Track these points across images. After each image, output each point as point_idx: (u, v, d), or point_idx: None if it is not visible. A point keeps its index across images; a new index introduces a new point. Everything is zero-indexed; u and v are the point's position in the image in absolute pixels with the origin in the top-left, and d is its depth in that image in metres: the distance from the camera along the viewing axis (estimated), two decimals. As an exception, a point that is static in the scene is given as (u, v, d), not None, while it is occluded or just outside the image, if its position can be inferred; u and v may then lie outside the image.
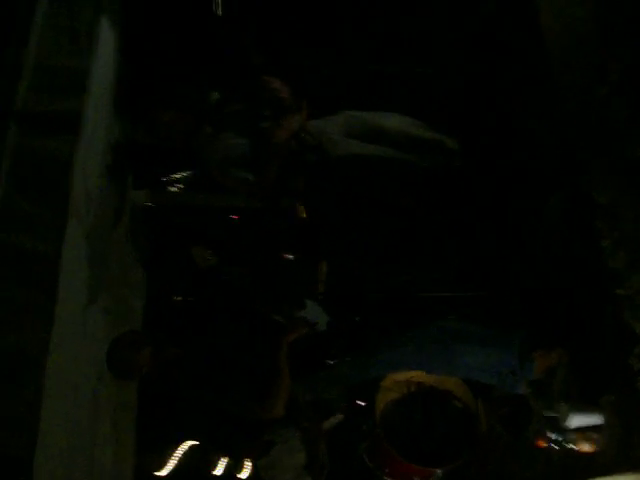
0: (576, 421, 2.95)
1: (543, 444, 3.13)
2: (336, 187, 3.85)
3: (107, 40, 3.20)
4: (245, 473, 3.82)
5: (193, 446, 3.73)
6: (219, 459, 3.96)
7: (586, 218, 3.18)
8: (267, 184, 3.74)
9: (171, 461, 3.81)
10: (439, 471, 4.02)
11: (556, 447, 3.04)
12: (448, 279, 3.82)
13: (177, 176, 4.39)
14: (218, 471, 3.96)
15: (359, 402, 4.14)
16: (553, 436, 3.05)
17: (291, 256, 3.91)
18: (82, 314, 2.90)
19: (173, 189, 4.43)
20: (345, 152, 3.76)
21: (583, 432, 2.96)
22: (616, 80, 3.02)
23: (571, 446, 2.95)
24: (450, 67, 4.14)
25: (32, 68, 2.68)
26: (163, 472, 3.84)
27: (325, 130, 3.80)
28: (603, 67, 3.08)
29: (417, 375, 4.12)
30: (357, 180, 3.87)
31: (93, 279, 3.03)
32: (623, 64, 3.01)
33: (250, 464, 3.74)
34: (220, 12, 4.15)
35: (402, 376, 4.11)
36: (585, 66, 3.21)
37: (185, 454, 3.79)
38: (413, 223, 3.97)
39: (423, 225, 3.96)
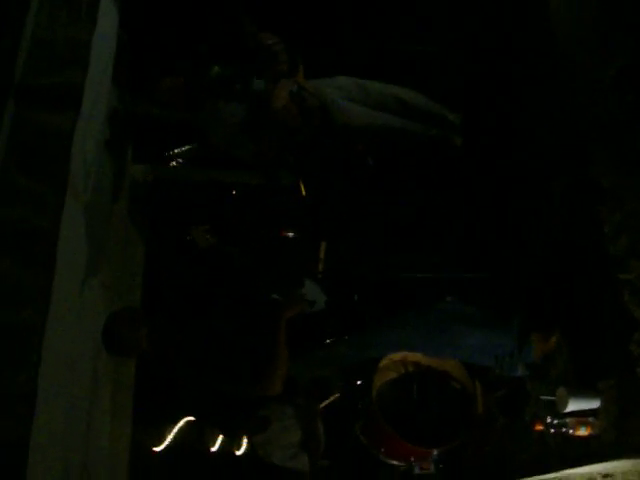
0: (573, 405, 2.95)
1: (540, 427, 3.13)
2: (338, 155, 3.83)
3: (107, 11, 3.14)
4: (241, 449, 3.84)
5: (190, 422, 3.75)
6: (216, 435, 3.98)
7: (588, 202, 3.16)
8: (269, 151, 3.71)
9: (168, 437, 3.83)
10: (435, 451, 4.03)
11: (552, 431, 3.04)
12: (448, 260, 3.80)
13: (177, 150, 4.36)
14: (214, 447, 3.99)
15: (356, 381, 4.15)
16: (549, 420, 3.04)
17: (291, 234, 3.89)
18: (80, 290, 2.88)
19: (173, 163, 4.40)
20: (348, 118, 3.72)
21: (580, 416, 2.96)
22: (622, 68, 2.98)
23: (568, 430, 2.95)
24: (456, 48, 4.09)
25: (30, 40, 2.63)
26: (160, 447, 3.86)
27: (326, 91, 3.76)
28: (610, 54, 3.05)
29: (414, 355, 4.12)
30: (361, 148, 3.85)
31: (91, 255, 3.01)
32: (629, 52, 2.98)
33: (246, 440, 3.76)
34: None
35: (399, 356, 4.11)
36: (593, 53, 3.17)
37: (181, 430, 3.81)
38: (414, 203, 3.96)
39: (424, 206, 3.95)
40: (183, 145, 4.37)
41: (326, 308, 3.39)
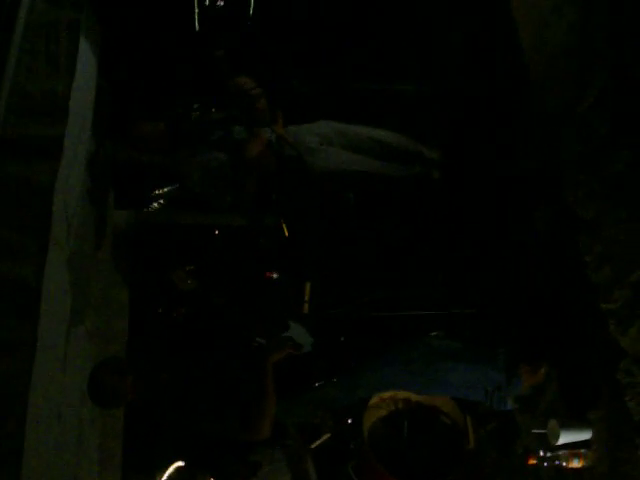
0: (565, 437, 2.94)
1: (533, 461, 3.11)
2: (318, 200, 3.85)
3: (86, 61, 3.17)
4: (232, 495, 3.79)
5: (180, 468, 3.70)
6: (206, 480, 3.93)
7: (570, 233, 3.19)
8: (246, 198, 3.73)
9: (158, 484, 3.78)
10: (428, 488, 4.00)
11: (545, 464, 3.03)
12: (433, 296, 3.81)
13: (158, 192, 4.37)
14: (205, 493, 3.94)
15: (346, 420, 4.12)
16: (542, 453, 3.03)
17: (275, 275, 3.89)
18: (65, 340, 2.86)
19: (155, 205, 4.41)
20: (326, 164, 3.76)
21: (572, 448, 2.95)
22: (596, 95, 3.03)
23: (561, 463, 2.94)
24: (430, 84, 4.14)
25: (9, 92, 2.64)
26: (150, 495, 3.80)
27: (304, 139, 3.81)
28: (583, 82, 3.10)
29: (404, 392, 4.11)
30: (339, 193, 3.88)
31: (76, 304, 3.00)
32: (602, 79, 3.03)
33: (237, 485, 3.72)
34: (197, 27, 4.14)
35: (389, 393, 4.10)
36: (566, 82, 3.22)
37: (172, 476, 3.76)
38: (396, 240, 3.98)
39: (407, 242, 3.97)
40: (164, 186, 4.38)
41: (313, 350, 3.38)
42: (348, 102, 4.11)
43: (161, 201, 4.42)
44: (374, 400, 4.05)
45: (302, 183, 3.76)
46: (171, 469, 3.74)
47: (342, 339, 3.73)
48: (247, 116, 3.72)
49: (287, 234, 3.90)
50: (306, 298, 3.69)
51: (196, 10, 4.06)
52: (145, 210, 4.41)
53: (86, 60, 3.15)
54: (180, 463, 3.71)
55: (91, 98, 3.29)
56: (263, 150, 3.67)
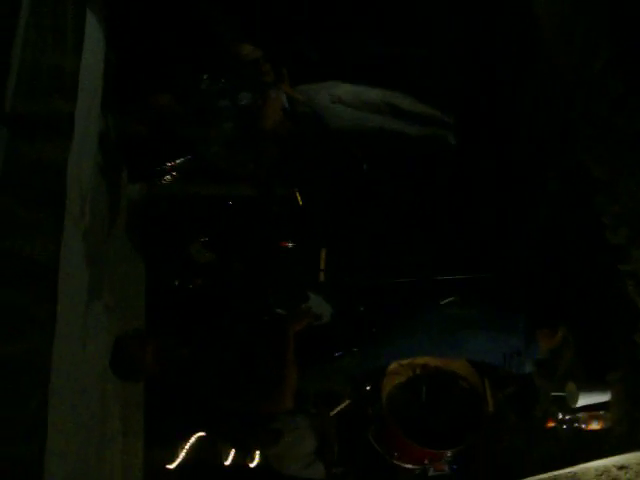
0: (583, 400, 2.94)
1: (552, 424, 3.12)
2: (332, 163, 3.83)
3: (94, 36, 3.14)
4: (255, 462, 3.84)
5: (202, 438, 3.74)
6: (228, 450, 3.98)
7: (584, 194, 3.16)
8: (265, 167, 3.71)
9: (181, 453, 3.83)
10: (448, 452, 4.03)
11: (564, 426, 3.04)
12: (450, 263, 3.79)
13: (171, 164, 4.36)
14: (228, 462, 3.99)
15: (365, 387, 4.14)
16: (561, 416, 3.04)
17: (290, 244, 3.88)
18: (84, 315, 2.88)
19: (168, 178, 4.40)
20: (339, 122, 3.72)
21: (591, 410, 2.96)
22: (609, 55, 2.98)
23: (580, 425, 2.95)
24: (445, 49, 4.08)
25: (18, 70, 2.62)
26: (173, 464, 3.86)
27: (315, 96, 3.75)
28: (595, 42, 3.04)
29: (422, 358, 4.11)
30: (353, 157, 3.85)
31: (93, 279, 3.01)
32: (615, 38, 2.97)
33: (259, 453, 3.76)
34: None
35: (407, 359, 4.11)
36: (578, 42, 3.17)
37: (194, 446, 3.81)
38: (414, 206, 3.95)
39: (422, 209, 3.94)
40: (176, 160, 4.37)
41: (332, 320, 3.38)
42: (359, 66, 4.06)
43: (174, 173, 4.41)
44: (392, 366, 4.07)
45: (317, 142, 3.72)
46: (193, 439, 3.79)
47: (361, 309, 3.73)
48: (253, 81, 3.68)
49: (301, 203, 3.88)
50: (322, 266, 3.69)
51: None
52: (158, 183, 4.40)
53: (94, 35, 3.12)
54: (202, 433, 3.75)
55: (100, 73, 3.27)
56: (278, 113, 3.63)
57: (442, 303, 3.59)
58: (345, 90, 3.83)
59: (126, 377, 3.18)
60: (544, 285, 3.47)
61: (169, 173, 4.39)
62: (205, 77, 3.95)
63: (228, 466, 3.98)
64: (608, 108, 3.04)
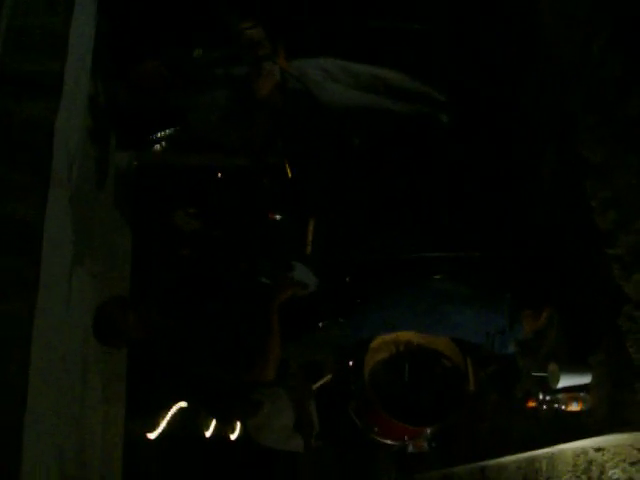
0: (565, 381, 2.94)
1: (532, 404, 3.13)
2: (322, 138, 3.81)
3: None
4: (235, 433, 3.85)
5: (183, 408, 3.75)
6: (209, 421, 3.99)
7: (576, 177, 3.15)
8: (257, 137, 3.69)
9: (161, 423, 3.84)
10: (428, 430, 4.05)
11: (544, 406, 3.05)
12: (437, 240, 3.79)
13: (160, 134, 4.32)
14: (208, 432, 4.00)
15: (348, 362, 4.15)
16: (541, 396, 3.05)
17: (278, 216, 3.87)
18: (67, 280, 2.87)
19: (157, 147, 4.36)
20: (332, 99, 3.70)
21: (571, 392, 2.97)
22: (608, 37, 2.96)
23: (560, 406, 2.96)
24: (443, 28, 4.05)
25: (7, 29, 2.58)
26: (154, 434, 3.87)
27: (308, 72, 3.74)
28: (595, 23, 3.03)
29: (406, 334, 4.12)
30: (344, 132, 3.83)
31: (78, 244, 2.99)
32: (615, 19, 2.96)
33: (240, 425, 3.77)
34: None
35: (390, 336, 4.11)
36: (578, 22, 3.15)
37: (175, 416, 3.81)
38: (403, 182, 3.94)
39: (412, 185, 3.93)
40: (166, 129, 4.33)
41: (317, 291, 3.37)
42: (351, 41, 4.02)
43: (163, 143, 4.37)
44: (376, 342, 4.08)
45: (308, 117, 3.71)
46: (174, 409, 3.80)
47: (347, 280, 3.71)
48: (249, 53, 3.65)
49: (290, 175, 3.86)
50: (309, 238, 3.69)
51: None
52: (147, 152, 4.37)
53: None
54: (183, 403, 3.76)
55: (90, 36, 3.23)
56: (272, 86, 3.61)
57: (429, 278, 3.59)
58: (338, 66, 3.80)
59: (107, 342, 3.16)
60: (531, 266, 3.47)
61: (159, 142, 4.36)
62: (197, 46, 3.92)
63: (209, 437, 4.00)
64: (605, 91, 3.03)
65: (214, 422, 3.95)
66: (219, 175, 4.23)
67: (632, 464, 2.80)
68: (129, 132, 4.23)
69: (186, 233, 3.88)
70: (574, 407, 2.95)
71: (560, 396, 2.98)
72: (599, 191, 2.98)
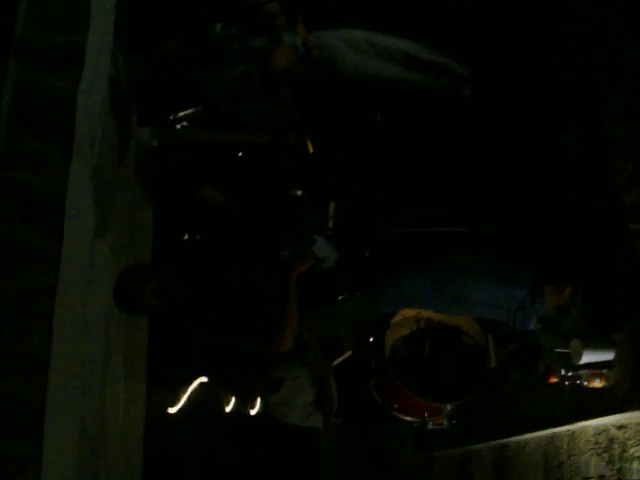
0: (587, 357, 2.93)
1: (554, 380, 3.12)
2: (345, 112, 3.78)
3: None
4: (255, 409, 3.87)
5: (204, 383, 3.77)
6: (229, 396, 4.01)
7: (600, 152, 3.12)
8: (282, 111, 3.67)
9: (182, 398, 3.86)
10: (448, 406, 4.05)
11: (566, 383, 3.04)
12: (459, 214, 3.76)
13: (182, 113, 4.32)
14: (229, 408, 4.02)
15: (368, 338, 4.16)
16: (564, 372, 3.03)
17: (300, 192, 3.86)
18: (89, 253, 2.86)
19: (178, 126, 4.36)
20: (354, 70, 3.67)
21: (594, 368, 2.95)
22: (632, 13, 2.92)
23: (582, 382, 2.94)
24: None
25: (28, 2, 2.58)
26: (175, 409, 3.89)
27: (330, 43, 3.70)
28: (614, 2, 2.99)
29: (426, 311, 4.11)
30: (368, 102, 3.80)
31: (100, 219, 2.99)
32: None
33: (260, 401, 3.79)
34: None
35: (411, 312, 4.11)
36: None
37: (196, 391, 3.84)
38: (424, 157, 3.91)
39: (433, 160, 3.90)
40: (188, 107, 4.33)
41: (337, 265, 3.37)
42: (376, 12, 3.98)
43: (185, 123, 4.37)
44: (396, 318, 4.07)
45: (331, 89, 3.68)
46: (194, 384, 3.82)
47: (366, 254, 3.70)
48: (266, 26, 3.62)
49: (311, 150, 3.84)
50: (330, 213, 3.67)
51: None
52: (169, 129, 4.37)
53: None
54: (203, 379, 3.78)
55: (112, 11, 3.21)
56: (291, 56, 3.58)
57: (448, 252, 3.56)
58: (360, 37, 3.76)
59: (128, 309, 3.18)
60: (554, 241, 3.43)
61: (180, 122, 4.36)
62: (218, 23, 3.90)
63: (229, 412, 4.03)
64: (626, 68, 2.99)
65: (234, 398, 3.98)
66: (240, 153, 4.22)
67: (654, 442, 2.79)
68: (151, 109, 4.23)
69: (210, 207, 3.88)
70: (596, 384, 2.94)
71: (582, 372, 2.96)
72: (623, 165, 2.95)
